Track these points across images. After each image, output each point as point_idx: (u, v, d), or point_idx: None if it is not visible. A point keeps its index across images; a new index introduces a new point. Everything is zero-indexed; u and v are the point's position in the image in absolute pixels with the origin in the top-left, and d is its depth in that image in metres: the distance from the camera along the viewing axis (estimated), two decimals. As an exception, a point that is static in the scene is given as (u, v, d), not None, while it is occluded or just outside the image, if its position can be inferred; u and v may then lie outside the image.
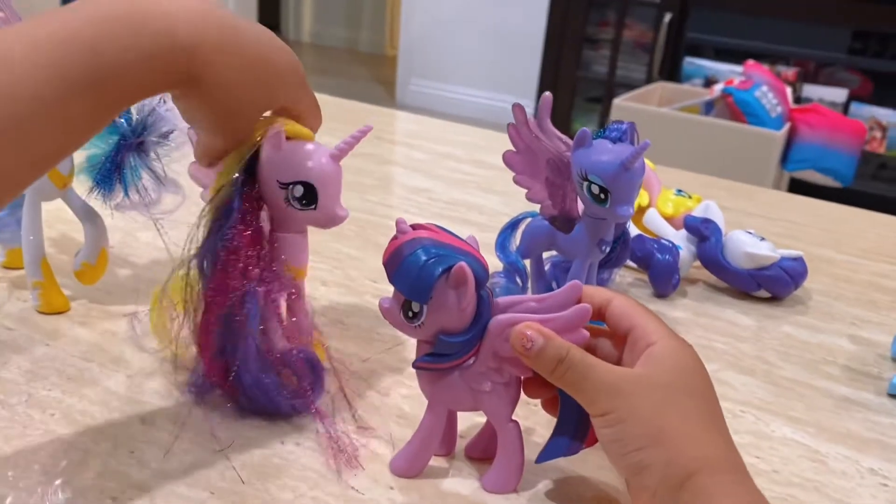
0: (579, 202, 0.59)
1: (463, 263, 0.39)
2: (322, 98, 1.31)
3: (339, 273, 0.70)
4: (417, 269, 0.40)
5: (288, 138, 0.47)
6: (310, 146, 0.48)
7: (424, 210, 0.87)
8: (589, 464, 0.48)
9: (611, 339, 0.44)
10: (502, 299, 0.43)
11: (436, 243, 0.40)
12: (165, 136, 0.56)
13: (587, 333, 0.41)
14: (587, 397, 0.40)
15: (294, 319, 0.49)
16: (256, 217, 0.47)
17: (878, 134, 2.84)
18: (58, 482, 0.42)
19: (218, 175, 0.47)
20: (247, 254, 0.46)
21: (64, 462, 0.44)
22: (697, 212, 0.75)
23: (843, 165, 2.42)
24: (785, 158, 2.41)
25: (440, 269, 0.40)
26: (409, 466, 0.45)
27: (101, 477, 0.43)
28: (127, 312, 0.58)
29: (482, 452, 0.47)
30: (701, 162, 2.05)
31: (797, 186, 2.52)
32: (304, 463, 0.45)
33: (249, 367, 0.46)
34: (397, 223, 0.41)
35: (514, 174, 0.61)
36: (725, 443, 0.39)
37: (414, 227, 0.41)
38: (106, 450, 0.45)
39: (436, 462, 0.46)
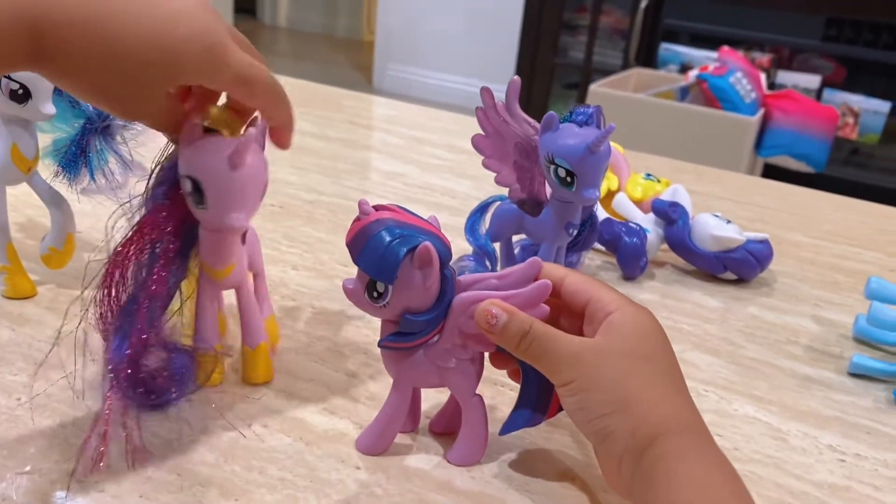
0: (547, 186, 0.59)
1: (428, 243, 0.40)
2: (298, 83, 1.30)
3: (309, 257, 0.70)
4: (382, 249, 0.40)
5: (209, 130, 0.44)
6: (214, 141, 0.43)
7: (399, 194, 0.87)
8: (552, 440, 0.48)
9: (568, 312, 0.44)
10: (465, 277, 0.43)
11: (399, 224, 0.41)
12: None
13: (548, 308, 0.42)
14: (551, 368, 0.41)
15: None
16: (177, 204, 0.45)
17: (850, 120, 2.87)
18: (27, 468, 0.42)
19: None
20: (145, 236, 0.44)
21: (31, 448, 0.44)
22: (665, 195, 0.75)
23: (817, 151, 2.45)
24: (759, 144, 2.43)
25: (405, 250, 0.40)
26: (375, 444, 0.45)
27: (68, 461, 0.43)
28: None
29: (446, 427, 0.47)
30: (675, 148, 2.07)
31: (771, 172, 2.54)
32: (271, 445, 0.46)
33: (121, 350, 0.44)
34: (360, 204, 0.41)
35: (482, 158, 0.61)
36: (686, 404, 0.40)
37: (376, 208, 0.42)
38: (72, 433, 0.45)
39: (401, 439, 0.47)
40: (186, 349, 0.46)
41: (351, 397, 0.51)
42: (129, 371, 0.42)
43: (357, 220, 0.42)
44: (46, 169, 0.58)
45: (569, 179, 0.55)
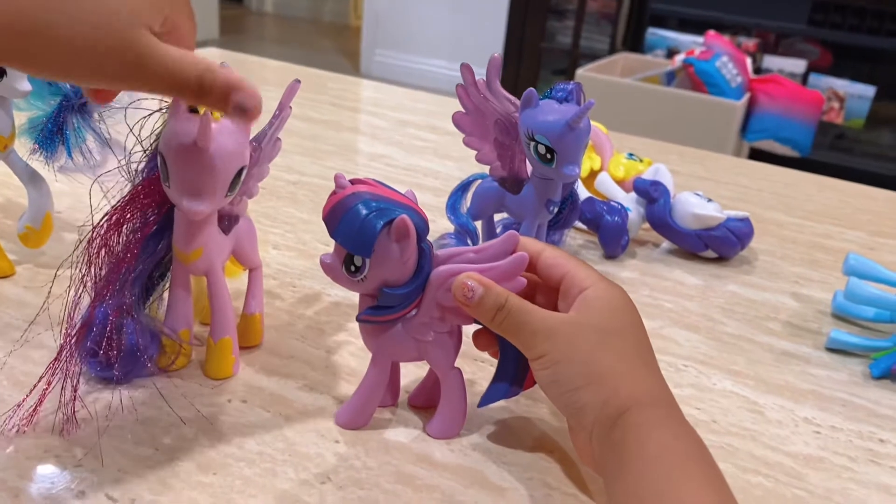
0: (528, 163, 0.59)
1: (405, 216, 0.40)
2: (280, 66, 1.29)
3: (291, 237, 0.70)
4: (359, 223, 0.40)
5: (193, 110, 0.42)
6: (186, 118, 0.41)
7: (382, 175, 0.86)
8: (531, 412, 0.49)
9: (544, 288, 0.45)
10: (442, 251, 0.43)
11: (375, 197, 0.41)
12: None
13: (524, 281, 0.42)
14: (525, 342, 0.41)
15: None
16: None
17: (835, 104, 2.88)
18: (10, 448, 0.42)
19: None
20: (126, 210, 0.44)
21: (9, 423, 0.44)
22: (647, 175, 0.76)
23: (802, 135, 2.46)
24: (745, 128, 2.44)
25: (381, 223, 0.40)
26: (354, 418, 0.46)
27: (46, 436, 0.43)
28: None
29: (425, 401, 0.48)
30: (662, 132, 2.07)
31: (757, 157, 2.55)
32: (250, 420, 0.46)
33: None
34: (336, 178, 0.41)
35: (463, 135, 0.61)
36: (655, 378, 0.41)
37: (353, 181, 0.42)
38: (51, 410, 0.45)
39: (380, 413, 0.47)
40: (154, 330, 0.46)
41: (331, 373, 0.51)
42: (80, 337, 0.43)
43: (333, 193, 0.41)
44: (23, 147, 0.57)
45: (549, 156, 0.55)
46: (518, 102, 0.57)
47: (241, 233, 0.50)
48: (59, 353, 0.43)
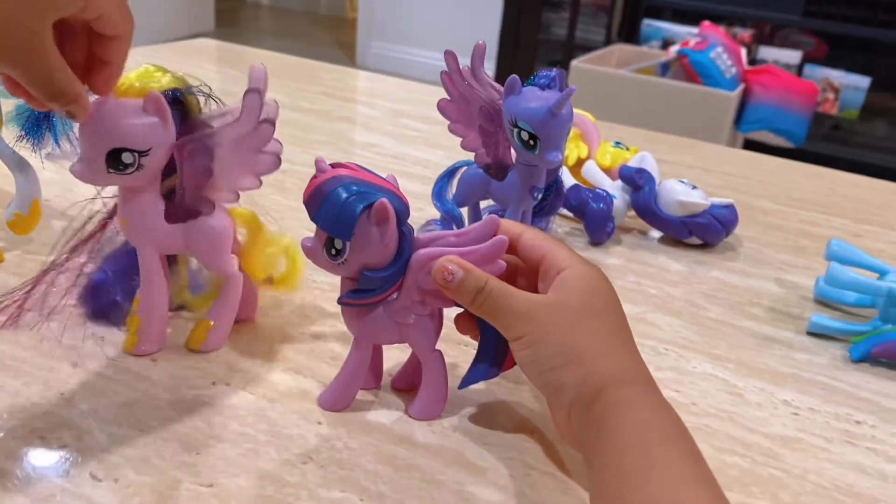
0: (513, 150, 0.60)
1: (384, 199, 0.40)
2: (273, 56, 1.29)
3: (278, 224, 0.70)
4: (339, 206, 0.40)
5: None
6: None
7: (371, 164, 0.86)
8: (512, 394, 0.49)
9: (524, 270, 0.45)
10: (423, 235, 0.44)
11: (356, 181, 0.41)
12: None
13: (504, 264, 0.43)
14: (504, 323, 0.42)
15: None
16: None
17: (830, 95, 2.88)
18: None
19: None
20: None
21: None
22: (633, 162, 0.76)
23: (796, 126, 2.46)
24: (739, 119, 2.44)
25: (361, 206, 0.40)
26: (337, 400, 0.46)
27: (32, 417, 0.44)
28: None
29: (407, 384, 0.48)
30: (656, 123, 2.07)
31: (751, 147, 2.55)
32: (233, 402, 0.46)
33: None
34: (316, 162, 0.42)
35: (448, 122, 0.61)
36: (633, 356, 0.41)
37: (333, 165, 0.42)
38: (37, 392, 0.46)
39: (363, 396, 0.48)
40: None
41: (315, 357, 0.51)
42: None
43: (314, 177, 0.42)
44: (10, 135, 0.58)
45: (532, 142, 0.55)
46: (502, 89, 0.57)
47: (199, 232, 0.48)
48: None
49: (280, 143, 0.48)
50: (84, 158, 0.44)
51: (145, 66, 0.46)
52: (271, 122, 0.46)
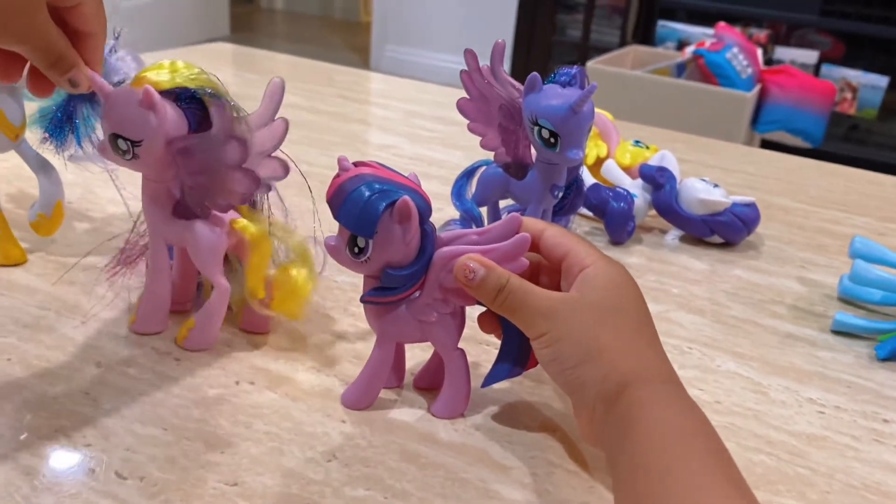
0: (532, 148, 0.59)
1: (407, 197, 0.40)
2: (289, 59, 1.30)
3: (298, 225, 0.70)
4: (362, 204, 0.40)
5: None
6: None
7: (388, 164, 0.87)
8: (535, 394, 0.49)
9: (547, 268, 0.45)
10: (445, 233, 0.44)
11: (378, 179, 0.41)
12: (117, 85, 0.56)
13: (526, 262, 0.43)
14: (525, 321, 0.41)
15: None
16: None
17: (848, 95, 2.86)
18: (23, 436, 0.43)
19: None
20: None
21: (20, 404, 0.44)
22: (653, 161, 0.76)
23: (813, 126, 2.44)
24: (755, 120, 2.43)
25: (384, 204, 0.40)
26: (360, 399, 0.46)
27: (56, 416, 0.44)
28: (85, 265, 0.59)
29: (429, 382, 0.48)
30: (672, 123, 2.05)
31: (768, 147, 2.53)
32: (257, 401, 0.47)
33: None
34: (339, 161, 0.42)
35: (468, 122, 0.61)
36: (656, 354, 0.41)
37: (356, 164, 0.42)
38: (62, 391, 0.46)
39: (386, 394, 0.48)
40: None
41: (337, 356, 0.51)
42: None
43: (337, 176, 0.42)
44: (34, 137, 0.58)
45: (552, 140, 0.55)
46: (522, 87, 0.57)
47: (193, 235, 0.49)
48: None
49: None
50: (103, 136, 0.47)
51: (166, 64, 0.46)
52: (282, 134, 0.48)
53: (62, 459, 0.41)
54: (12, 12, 0.40)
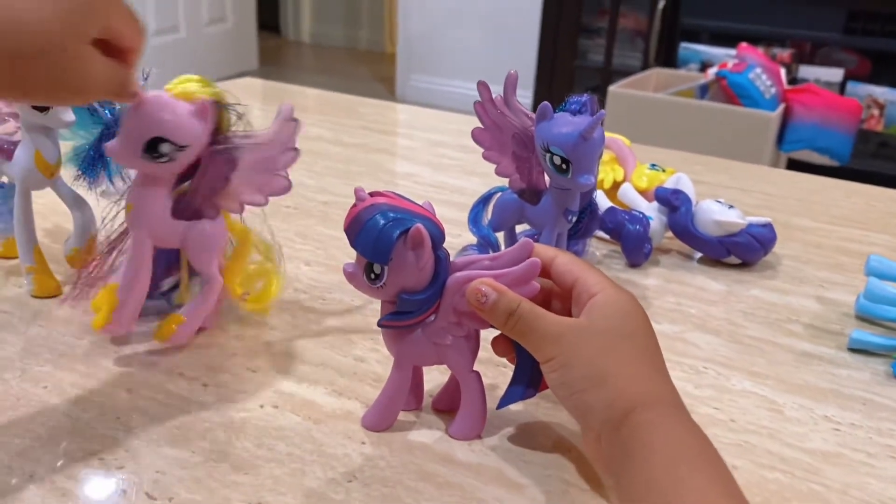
0: (546, 174, 0.61)
1: (419, 225, 0.42)
2: (313, 92, 1.34)
3: (321, 253, 0.72)
4: (377, 232, 0.42)
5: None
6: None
7: (409, 193, 0.88)
8: (550, 415, 0.50)
9: (559, 294, 0.46)
10: (460, 259, 0.45)
11: (392, 208, 0.43)
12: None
13: (538, 286, 0.44)
14: (535, 345, 0.43)
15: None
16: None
17: (875, 112, 2.84)
18: (59, 462, 0.45)
19: None
20: None
21: (55, 428, 0.47)
22: (669, 184, 0.77)
23: (839, 144, 2.43)
24: (781, 139, 2.42)
25: (398, 232, 0.42)
26: (379, 421, 0.48)
27: (90, 440, 0.46)
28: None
29: (448, 404, 0.49)
30: (697, 145, 2.06)
31: (794, 167, 2.53)
32: (281, 424, 0.48)
33: None
34: (356, 191, 0.44)
35: (483, 150, 0.63)
36: (662, 380, 0.42)
37: (372, 194, 0.44)
38: (94, 416, 0.48)
39: (405, 416, 0.49)
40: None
41: (358, 379, 0.53)
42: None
43: (353, 206, 0.44)
44: (68, 174, 0.61)
45: (564, 166, 0.57)
46: (534, 116, 0.59)
47: (197, 233, 0.52)
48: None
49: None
50: (123, 139, 0.49)
51: (194, 77, 0.51)
52: (296, 150, 0.52)
53: (96, 482, 0.43)
54: (59, 72, 0.39)
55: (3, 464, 0.44)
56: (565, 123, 0.56)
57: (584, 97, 0.58)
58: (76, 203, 0.62)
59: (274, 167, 0.52)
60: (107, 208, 0.55)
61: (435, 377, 0.52)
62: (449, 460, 0.46)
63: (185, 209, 0.52)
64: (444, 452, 0.46)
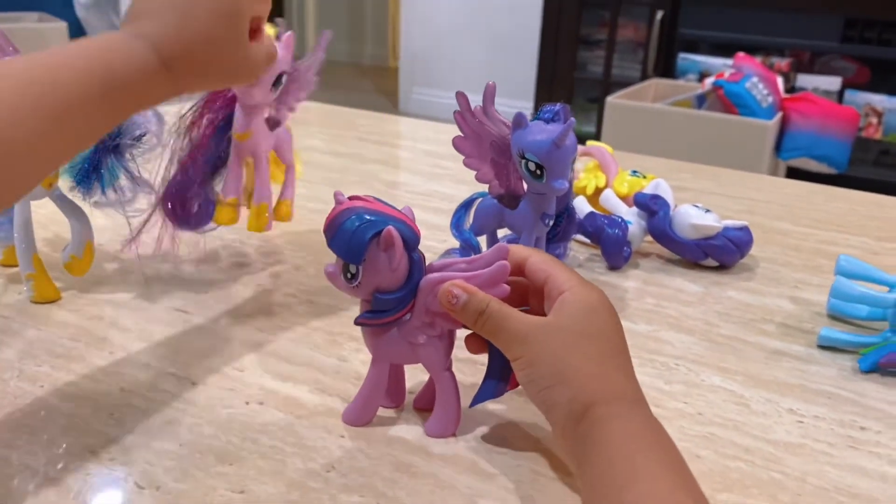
0: (524, 180, 0.63)
1: (391, 227, 0.44)
2: (323, 108, 1.39)
3: (311, 259, 0.75)
4: (350, 234, 0.45)
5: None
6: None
7: (400, 200, 0.91)
8: (524, 410, 0.52)
9: (535, 291, 0.48)
10: (436, 262, 0.48)
11: (368, 211, 0.45)
12: (139, 138, 0.62)
13: (508, 288, 0.46)
14: (504, 343, 0.45)
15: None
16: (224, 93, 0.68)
17: (874, 120, 2.86)
18: (57, 453, 0.47)
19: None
20: (201, 111, 0.68)
21: (51, 424, 0.49)
22: (648, 189, 0.79)
23: (837, 152, 2.45)
24: (779, 147, 2.44)
25: (371, 233, 0.45)
26: (359, 416, 0.50)
27: (84, 435, 0.48)
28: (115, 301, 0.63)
29: (428, 403, 0.51)
30: (695, 155, 2.09)
31: (793, 174, 2.54)
32: (265, 419, 0.50)
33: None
34: (335, 195, 0.46)
35: (463, 157, 0.66)
36: (625, 377, 0.44)
37: (350, 198, 0.46)
38: (88, 413, 0.51)
39: (385, 413, 0.51)
40: (212, 197, 0.68)
41: (341, 378, 0.55)
42: (170, 196, 0.66)
43: (333, 209, 0.46)
44: (64, 185, 0.64)
45: (538, 172, 0.59)
46: (511, 124, 0.61)
47: (281, 135, 0.71)
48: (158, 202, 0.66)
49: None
50: (261, 81, 0.63)
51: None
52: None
53: (88, 473, 0.45)
54: (235, 64, 0.51)
55: None
56: (539, 131, 0.59)
57: (557, 106, 0.61)
58: (73, 212, 0.64)
59: (309, 83, 0.70)
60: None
61: (416, 375, 0.55)
62: (424, 452, 0.48)
63: (273, 121, 0.68)
64: (420, 446, 0.48)
